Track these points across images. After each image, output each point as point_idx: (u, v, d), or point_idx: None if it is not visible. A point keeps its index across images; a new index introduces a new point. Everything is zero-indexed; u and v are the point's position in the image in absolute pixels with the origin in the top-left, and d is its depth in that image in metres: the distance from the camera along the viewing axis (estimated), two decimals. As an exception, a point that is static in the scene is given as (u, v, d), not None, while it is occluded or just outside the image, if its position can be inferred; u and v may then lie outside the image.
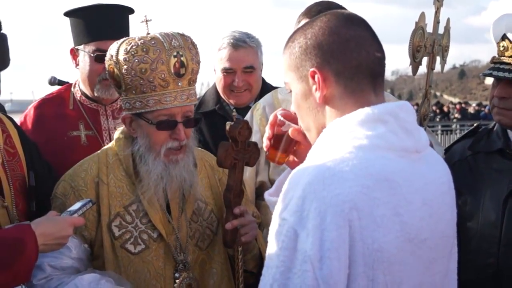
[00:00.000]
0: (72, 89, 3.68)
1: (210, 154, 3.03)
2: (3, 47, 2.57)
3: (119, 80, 2.64)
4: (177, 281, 2.71)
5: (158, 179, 2.65)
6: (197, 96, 2.90)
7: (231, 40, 3.91)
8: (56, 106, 3.65)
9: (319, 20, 1.91)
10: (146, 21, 2.74)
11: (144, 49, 2.57)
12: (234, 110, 3.14)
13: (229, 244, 2.77)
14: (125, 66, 2.59)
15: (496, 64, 2.99)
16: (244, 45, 3.91)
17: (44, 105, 3.69)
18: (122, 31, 3.22)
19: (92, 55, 3.46)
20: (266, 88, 4.00)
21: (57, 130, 3.52)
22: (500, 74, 2.92)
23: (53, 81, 4.21)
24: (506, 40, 2.95)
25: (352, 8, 3.28)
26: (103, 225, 2.65)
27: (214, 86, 4.11)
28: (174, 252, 2.72)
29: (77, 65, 3.61)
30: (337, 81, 1.86)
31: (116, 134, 2.83)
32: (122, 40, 2.66)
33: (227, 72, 3.92)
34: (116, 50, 2.62)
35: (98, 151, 2.84)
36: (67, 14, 3.62)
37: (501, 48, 2.97)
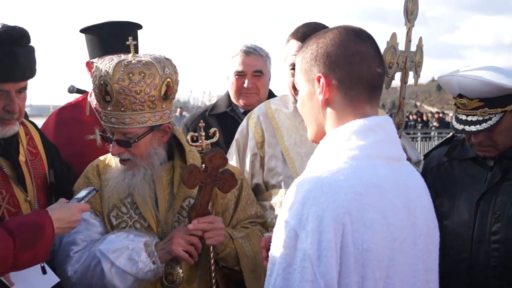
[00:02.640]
0: (88, 97, 3.73)
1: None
2: (32, 58, 2.60)
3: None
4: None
5: (118, 176, 2.79)
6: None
7: (244, 48, 4.07)
8: (74, 113, 3.70)
9: (332, 32, 1.97)
10: (131, 43, 2.74)
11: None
12: (243, 115, 3.15)
13: None
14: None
15: (461, 118, 2.92)
16: (254, 52, 4.07)
17: (64, 112, 3.76)
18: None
19: None
20: (273, 97, 4.06)
21: (75, 134, 3.57)
22: (474, 129, 2.87)
23: (71, 89, 4.24)
24: (464, 98, 2.88)
25: (338, 25, 3.32)
26: (104, 216, 2.78)
27: (226, 93, 4.22)
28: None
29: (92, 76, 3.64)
30: (338, 88, 1.92)
31: None
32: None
33: (239, 75, 4.05)
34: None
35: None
36: (82, 31, 3.67)
37: (462, 105, 2.90)
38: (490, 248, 2.87)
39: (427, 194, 2.05)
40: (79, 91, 4.13)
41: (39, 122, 3.70)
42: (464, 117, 2.92)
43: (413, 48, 3.21)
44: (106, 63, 2.65)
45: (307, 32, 3.04)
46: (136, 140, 2.68)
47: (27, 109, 2.84)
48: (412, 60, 3.19)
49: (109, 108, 2.65)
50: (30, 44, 2.59)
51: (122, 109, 2.63)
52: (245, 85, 4.03)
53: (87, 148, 3.49)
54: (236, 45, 4.18)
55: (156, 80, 2.62)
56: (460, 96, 2.90)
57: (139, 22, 3.69)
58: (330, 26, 3.16)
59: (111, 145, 2.73)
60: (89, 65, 3.66)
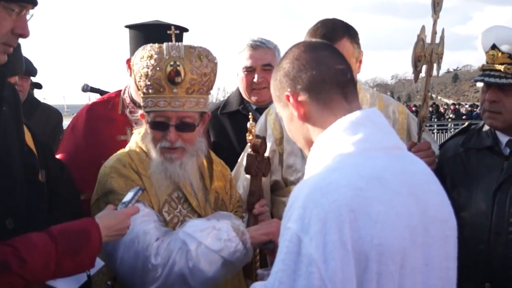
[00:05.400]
0: (121, 95, 3.63)
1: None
2: (18, 54, 2.60)
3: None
4: None
5: (158, 169, 2.70)
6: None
7: (250, 42, 3.96)
8: (106, 110, 3.60)
9: (286, 53, 2.05)
10: (173, 32, 2.79)
11: (149, 56, 2.66)
12: (256, 112, 3.16)
13: None
14: (135, 69, 2.71)
15: (485, 71, 2.99)
16: (262, 46, 3.95)
17: (95, 108, 3.65)
18: None
19: None
20: None
21: (106, 133, 3.47)
22: (492, 80, 2.93)
23: (85, 88, 4.20)
24: (496, 50, 2.96)
25: (349, 19, 3.32)
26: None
27: (237, 89, 4.11)
28: None
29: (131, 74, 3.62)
30: (308, 99, 1.96)
31: (136, 132, 2.87)
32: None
33: (248, 70, 3.93)
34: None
35: (125, 149, 2.87)
36: (129, 27, 3.61)
37: (491, 57, 2.97)
38: (508, 239, 2.84)
39: (434, 180, 2.02)
40: (93, 89, 4.10)
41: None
42: (488, 71, 2.97)
43: (436, 40, 3.18)
44: (168, 47, 2.67)
45: (326, 34, 3.01)
46: (197, 124, 2.72)
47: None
48: (436, 52, 3.17)
49: (174, 91, 2.64)
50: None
51: (189, 91, 2.66)
52: (255, 80, 3.91)
53: (118, 149, 3.40)
54: (242, 40, 4.09)
55: (214, 65, 2.73)
56: (493, 47, 2.96)
57: (153, 16, 3.65)
58: (342, 19, 3.19)
59: (165, 132, 2.68)
60: (129, 62, 3.50)
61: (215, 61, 2.75)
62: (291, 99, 1.97)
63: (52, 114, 4.84)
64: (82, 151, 3.41)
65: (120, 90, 3.69)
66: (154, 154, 2.73)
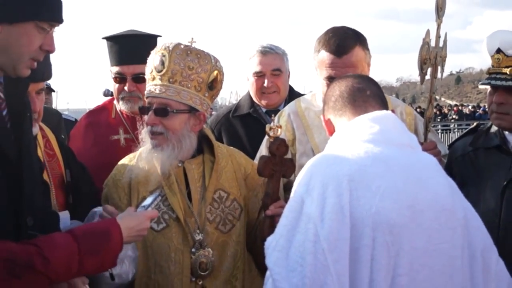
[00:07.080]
0: (114, 101, 3.80)
1: (240, 152, 3.12)
2: (48, 61, 2.70)
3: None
4: (193, 256, 2.79)
5: (148, 152, 2.82)
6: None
7: (260, 48, 4.05)
8: (101, 116, 3.82)
9: None
10: (192, 42, 2.86)
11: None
12: (273, 115, 3.18)
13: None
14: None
15: (492, 74, 3.03)
16: (271, 51, 4.03)
17: (92, 115, 3.90)
18: (144, 56, 3.15)
19: (113, 76, 3.65)
20: (294, 95, 4.07)
21: (101, 135, 3.68)
22: (498, 82, 2.98)
23: (107, 93, 4.32)
24: (501, 53, 3.01)
25: (354, 24, 3.36)
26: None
27: (248, 93, 4.18)
28: (192, 232, 2.81)
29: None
30: (332, 117, 2.27)
31: None
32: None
33: (258, 75, 4.02)
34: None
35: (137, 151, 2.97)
36: (106, 38, 3.77)
37: (496, 60, 3.02)
38: (517, 236, 2.84)
39: (443, 175, 2.15)
40: (114, 94, 4.18)
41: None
42: (494, 74, 3.02)
43: (439, 44, 3.20)
44: (165, 43, 2.82)
45: (340, 44, 3.01)
46: (175, 111, 2.76)
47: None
48: (440, 55, 3.19)
49: (158, 77, 2.77)
50: None
51: (171, 80, 2.76)
52: (265, 84, 3.99)
53: (112, 148, 3.60)
54: (252, 46, 4.18)
55: (208, 66, 2.79)
56: (498, 51, 3.01)
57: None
58: (347, 25, 3.22)
59: (147, 116, 2.79)
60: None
61: (210, 62, 2.81)
62: (323, 121, 2.32)
63: (51, 115, 4.95)
64: (82, 154, 3.53)
65: (113, 98, 3.86)
66: (148, 142, 2.84)
